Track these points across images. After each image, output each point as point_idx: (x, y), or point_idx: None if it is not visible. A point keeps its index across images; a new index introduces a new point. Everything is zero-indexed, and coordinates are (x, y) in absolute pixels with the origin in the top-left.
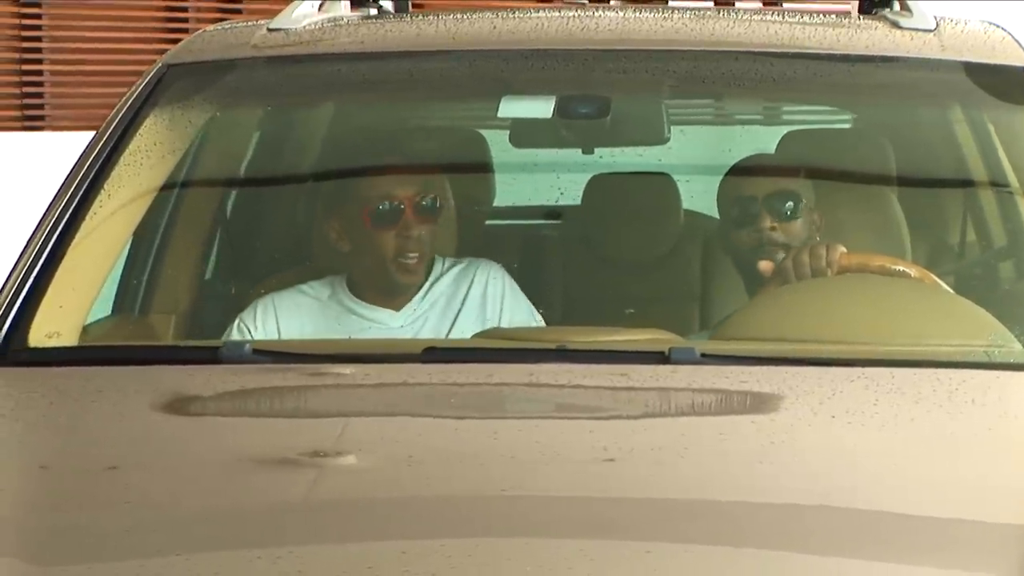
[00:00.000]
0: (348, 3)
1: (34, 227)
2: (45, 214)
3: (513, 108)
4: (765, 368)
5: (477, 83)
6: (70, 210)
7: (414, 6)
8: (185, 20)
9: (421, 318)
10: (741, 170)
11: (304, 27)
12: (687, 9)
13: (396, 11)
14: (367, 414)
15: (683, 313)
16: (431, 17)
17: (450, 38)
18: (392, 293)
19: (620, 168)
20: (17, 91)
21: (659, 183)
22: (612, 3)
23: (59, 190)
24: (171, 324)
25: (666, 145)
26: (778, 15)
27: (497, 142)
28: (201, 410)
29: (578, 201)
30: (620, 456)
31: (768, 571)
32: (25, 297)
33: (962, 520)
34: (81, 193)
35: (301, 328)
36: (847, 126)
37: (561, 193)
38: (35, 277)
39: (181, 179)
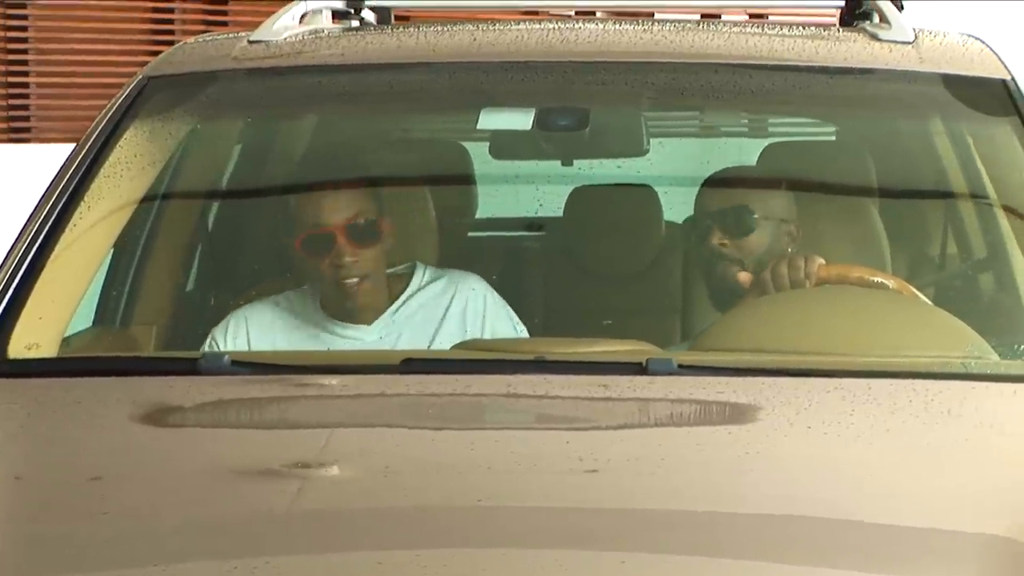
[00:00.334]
0: (330, 15)
1: (14, 238)
2: (25, 225)
3: (493, 120)
4: (742, 379)
5: (457, 95)
6: (50, 222)
7: (397, 18)
8: (171, 32)
9: (396, 331)
10: (710, 183)
11: (285, 39)
12: (667, 21)
13: (378, 23)
14: (345, 425)
15: (664, 325)
16: (412, 29)
17: (430, 50)
18: (356, 311)
19: (599, 180)
20: (3, 103)
21: (641, 195)
22: (597, 15)
23: (39, 202)
24: (152, 336)
25: (645, 157)
26: (757, 27)
27: (477, 154)
28: (180, 421)
29: (558, 213)
30: (597, 467)
31: None
32: (5, 308)
33: (939, 530)
34: (61, 205)
35: (272, 344)
36: (827, 138)
37: (541, 205)
38: (15, 288)
39: (162, 191)
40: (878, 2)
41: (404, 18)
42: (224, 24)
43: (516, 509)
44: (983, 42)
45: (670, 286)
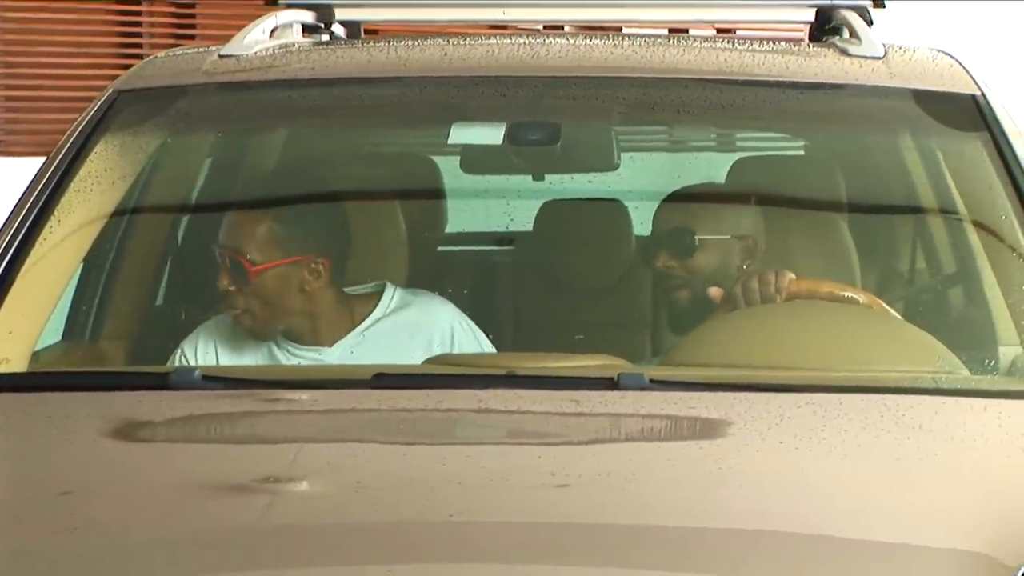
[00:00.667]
0: (300, 29)
1: None
2: None
3: (463, 135)
4: (713, 394)
5: (428, 109)
6: (20, 236)
7: (366, 32)
8: (139, 45)
9: (359, 354)
10: (667, 201)
11: (255, 53)
12: (637, 36)
13: (348, 37)
14: (316, 440)
15: (634, 339)
16: (382, 44)
17: (401, 65)
18: (301, 334)
19: (570, 194)
20: None
21: (610, 209)
22: (565, 29)
23: (9, 216)
24: (121, 350)
25: (616, 172)
26: (728, 42)
27: (448, 168)
28: (151, 436)
29: (529, 227)
30: (568, 482)
31: None
32: None
33: (910, 545)
34: (31, 219)
35: (238, 360)
36: (796, 153)
37: (511, 219)
38: None
39: (132, 205)
40: (848, 17)
41: (372, 32)
42: (192, 37)
43: (488, 524)
44: (953, 57)
45: (640, 301)
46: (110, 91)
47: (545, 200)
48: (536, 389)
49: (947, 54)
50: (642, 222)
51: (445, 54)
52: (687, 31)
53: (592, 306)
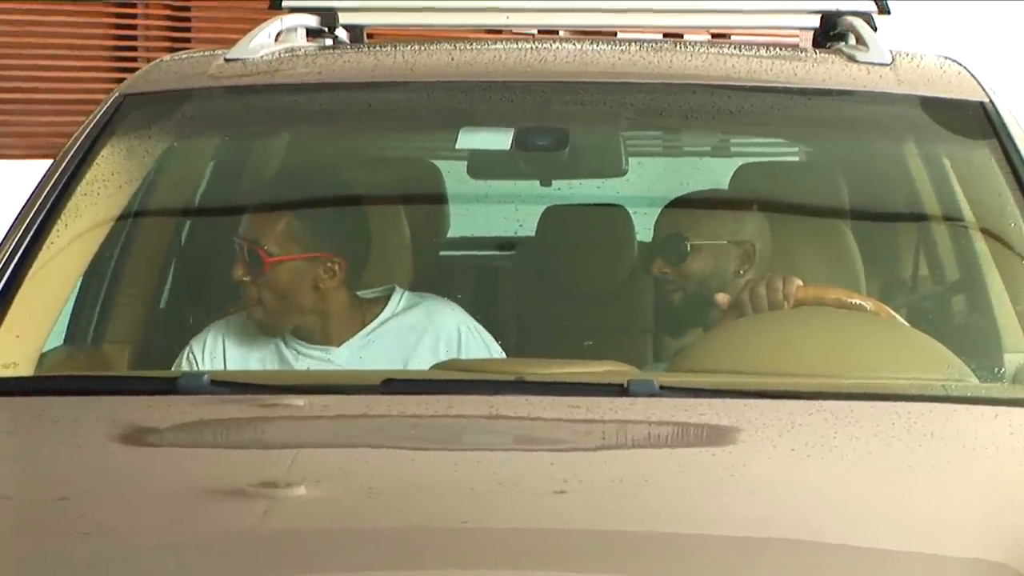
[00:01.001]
0: (304, 33)
1: None
2: (2, 243)
3: (471, 140)
4: (723, 401)
5: (435, 114)
6: (27, 239)
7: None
8: (134, 48)
9: (366, 355)
10: (667, 207)
11: (261, 57)
12: (644, 42)
13: (351, 41)
14: (327, 446)
15: (636, 345)
16: (389, 48)
17: (408, 69)
18: (311, 332)
19: (578, 200)
20: None
21: (613, 215)
22: (561, 34)
23: (16, 219)
24: (127, 354)
25: (624, 177)
26: (736, 48)
27: (455, 173)
28: (161, 442)
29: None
30: (580, 488)
31: None
32: None
33: (922, 554)
34: (38, 223)
35: (245, 363)
36: (802, 159)
37: (520, 225)
38: None
39: (138, 209)
40: (853, 23)
41: (370, 36)
42: (187, 40)
43: (500, 531)
44: (961, 64)
45: (642, 306)
46: (116, 95)
47: (548, 205)
48: (545, 395)
49: (955, 61)
50: (649, 228)
51: (452, 59)
52: (682, 36)
53: (594, 311)
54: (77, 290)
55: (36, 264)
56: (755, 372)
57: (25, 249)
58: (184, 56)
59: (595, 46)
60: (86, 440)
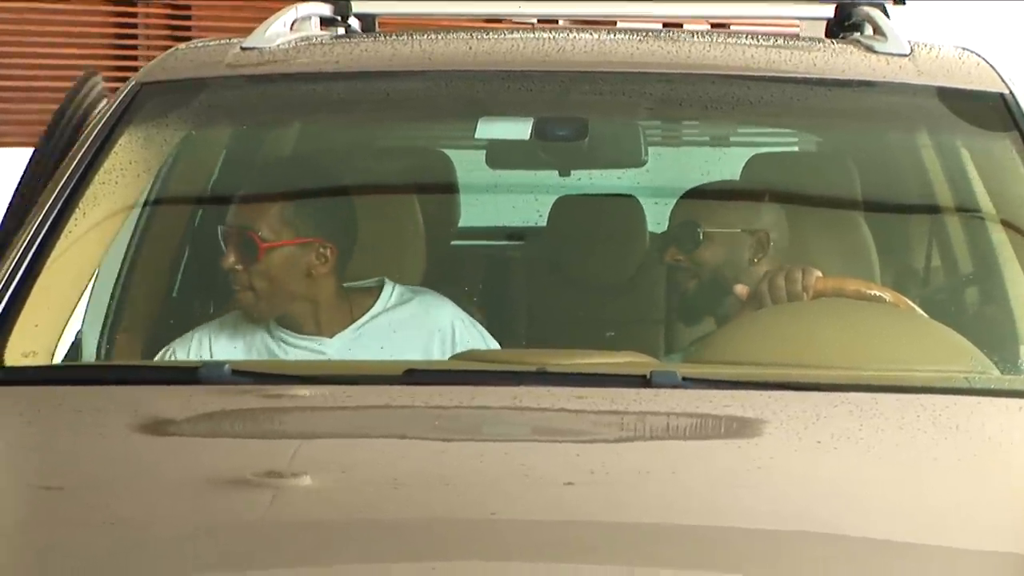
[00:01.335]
0: (318, 22)
1: (7, 244)
2: (21, 231)
3: (490, 129)
4: (747, 392)
5: (454, 104)
6: (45, 228)
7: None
8: (135, 37)
9: (358, 347)
10: (681, 198)
11: (278, 46)
12: (663, 31)
13: (363, 30)
14: (350, 436)
15: (648, 335)
16: (405, 37)
17: (426, 58)
18: (301, 321)
19: (598, 191)
20: None
21: (624, 205)
22: (559, 23)
23: (34, 208)
24: (144, 342)
25: (643, 167)
26: (754, 38)
27: (474, 163)
28: (183, 431)
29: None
30: (608, 480)
31: None
32: (1, 315)
33: (952, 548)
34: (56, 211)
35: (233, 356)
36: (820, 150)
37: (539, 215)
38: (11, 295)
39: (156, 198)
40: (870, 13)
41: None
42: (188, 29)
43: (527, 523)
44: (979, 55)
45: (654, 297)
46: (132, 83)
47: (559, 196)
48: (567, 386)
49: (974, 52)
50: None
51: (470, 48)
52: (681, 26)
53: (605, 302)
54: (100, 278)
55: (55, 253)
56: (776, 364)
57: (44, 238)
58: (200, 44)
59: (613, 36)
60: (108, 430)
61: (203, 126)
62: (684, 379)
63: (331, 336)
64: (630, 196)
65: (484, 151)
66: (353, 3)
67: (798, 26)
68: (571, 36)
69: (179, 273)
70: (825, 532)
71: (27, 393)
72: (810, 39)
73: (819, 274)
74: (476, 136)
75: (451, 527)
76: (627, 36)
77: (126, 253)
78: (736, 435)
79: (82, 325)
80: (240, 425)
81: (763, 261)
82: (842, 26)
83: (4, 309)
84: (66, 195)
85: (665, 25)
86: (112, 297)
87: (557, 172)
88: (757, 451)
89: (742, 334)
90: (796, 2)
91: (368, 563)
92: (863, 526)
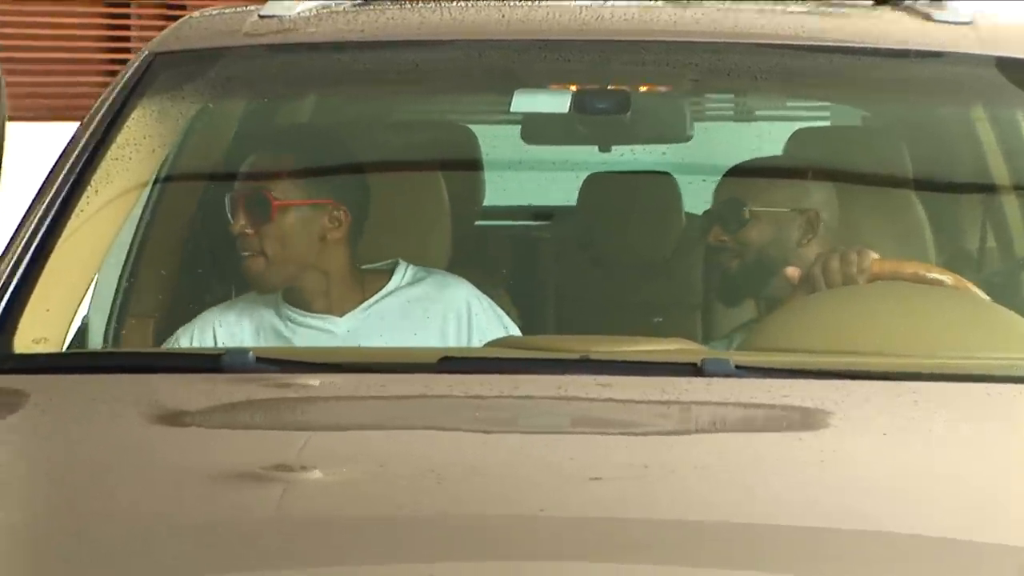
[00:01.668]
0: None
1: (16, 226)
2: (29, 211)
3: (527, 102)
4: (805, 381)
5: (487, 75)
6: (55, 208)
7: None
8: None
9: (369, 327)
10: (726, 176)
11: (299, 14)
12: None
13: None
14: (387, 427)
15: (686, 321)
16: (434, 4)
17: (456, 27)
18: (311, 297)
19: (641, 167)
20: None
21: (658, 183)
22: None
23: (42, 187)
24: (155, 328)
25: (688, 143)
26: (803, 5)
27: (508, 138)
28: (208, 421)
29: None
30: (665, 474)
31: None
32: (9, 299)
33: None
34: (67, 190)
35: (239, 341)
36: (864, 123)
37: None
38: (20, 278)
39: (171, 173)
40: None
41: None
42: (182, 8)
43: (583, 519)
44: None
45: (691, 280)
46: (145, 53)
47: (590, 173)
48: (614, 374)
49: None
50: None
51: (503, 16)
52: None
53: (639, 285)
54: (112, 260)
55: (66, 233)
56: (834, 351)
57: (54, 217)
58: (214, 12)
59: (656, 3)
60: (127, 420)
61: (220, 98)
62: (737, 367)
63: (341, 315)
64: (665, 173)
65: (517, 126)
66: None
67: None
68: (611, 3)
69: (192, 255)
70: (894, 531)
71: (40, 382)
72: (857, 7)
73: (875, 256)
74: (511, 110)
75: (498, 523)
76: (671, 3)
77: (135, 233)
78: (797, 427)
79: (88, 309)
80: (270, 415)
81: (813, 242)
82: None
83: (13, 292)
84: (77, 172)
85: None
86: (120, 280)
87: (597, 148)
88: (821, 444)
89: (796, 320)
90: None
91: (411, 563)
92: (933, 524)
